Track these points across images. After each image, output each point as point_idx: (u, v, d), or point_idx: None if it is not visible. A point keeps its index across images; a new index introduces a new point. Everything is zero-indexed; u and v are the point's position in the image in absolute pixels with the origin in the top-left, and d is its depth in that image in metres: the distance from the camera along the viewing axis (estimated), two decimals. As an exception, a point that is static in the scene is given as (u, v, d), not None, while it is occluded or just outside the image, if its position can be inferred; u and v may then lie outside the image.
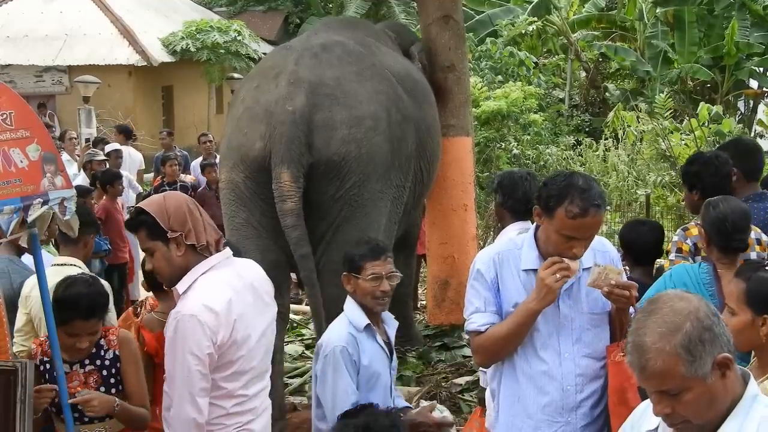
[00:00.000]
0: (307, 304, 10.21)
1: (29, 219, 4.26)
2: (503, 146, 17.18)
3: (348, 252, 4.76)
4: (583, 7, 25.57)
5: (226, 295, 3.84)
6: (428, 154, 7.80)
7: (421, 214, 9.08)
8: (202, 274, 3.87)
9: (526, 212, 5.56)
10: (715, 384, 2.55)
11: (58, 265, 5.85)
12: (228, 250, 4.06)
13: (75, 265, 5.85)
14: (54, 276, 5.53)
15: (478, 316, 4.04)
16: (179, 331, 3.77)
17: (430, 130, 7.93)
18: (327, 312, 6.94)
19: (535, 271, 3.99)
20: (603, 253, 4.13)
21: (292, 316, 9.22)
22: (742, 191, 5.65)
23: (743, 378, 2.65)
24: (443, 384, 7.97)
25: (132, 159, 14.49)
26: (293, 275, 7.44)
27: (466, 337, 6.90)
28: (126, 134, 15.58)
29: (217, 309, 3.78)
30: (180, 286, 3.87)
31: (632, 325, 2.63)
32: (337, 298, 6.86)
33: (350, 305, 4.68)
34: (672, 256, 5.36)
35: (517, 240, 4.17)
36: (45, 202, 4.30)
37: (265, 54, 26.09)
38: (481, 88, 17.71)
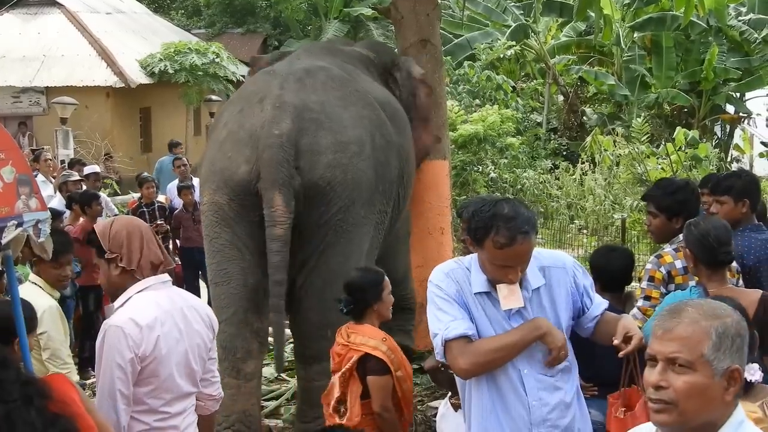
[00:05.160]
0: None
1: (3, 241, 4.26)
2: (480, 170, 17.23)
3: None
4: (561, 31, 25.73)
5: (152, 313, 4.11)
6: (405, 180, 7.80)
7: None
8: (138, 292, 4.16)
9: None
10: (717, 388, 2.54)
11: (32, 283, 6.12)
12: (166, 276, 4.31)
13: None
14: (26, 290, 5.70)
15: (457, 323, 3.99)
16: (106, 341, 4.05)
17: (408, 156, 7.92)
18: (307, 337, 6.95)
19: (486, 293, 4.03)
20: (557, 269, 4.14)
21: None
22: (746, 222, 5.75)
23: (736, 402, 2.62)
24: (419, 407, 7.95)
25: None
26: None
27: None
28: (170, 147, 17.16)
29: (141, 323, 4.05)
30: (117, 303, 4.18)
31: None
32: (317, 324, 6.89)
33: None
34: (644, 284, 5.37)
35: (464, 261, 4.17)
36: (19, 224, 4.29)
37: (243, 76, 26.15)
38: (459, 111, 17.79)
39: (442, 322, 4.03)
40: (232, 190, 6.73)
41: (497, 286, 3.99)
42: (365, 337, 5.36)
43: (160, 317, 4.11)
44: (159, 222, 11.77)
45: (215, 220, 6.88)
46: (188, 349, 4.24)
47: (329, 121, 6.88)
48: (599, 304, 4.25)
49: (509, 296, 3.98)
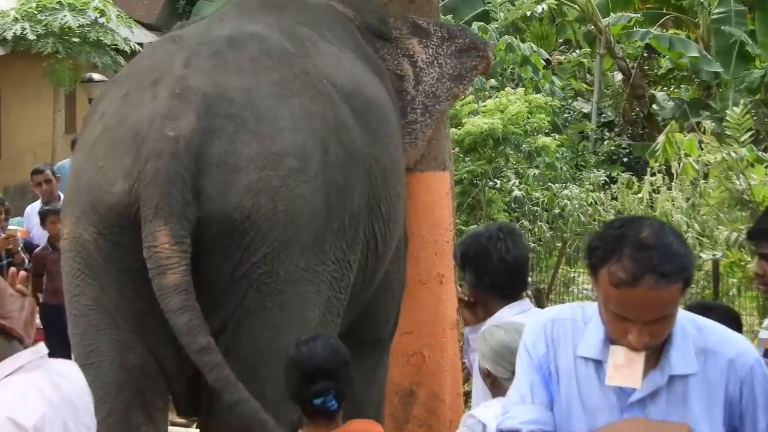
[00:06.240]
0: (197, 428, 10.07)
1: None
2: (498, 185, 17.21)
3: None
4: (619, -22, 25.88)
5: (38, 407, 3.99)
6: (384, 210, 7.51)
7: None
8: (7, 376, 4.04)
9: (513, 287, 5.73)
10: None
11: None
12: (41, 346, 4.20)
13: None
14: None
15: (520, 410, 4.06)
16: None
17: (388, 174, 7.61)
18: None
19: (596, 362, 4.00)
20: (725, 359, 4.01)
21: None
22: None
23: None
24: None
25: None
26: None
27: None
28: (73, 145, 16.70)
29: (26, 424, 3.91)
30: None
31: None
32: (241, 430, 6.76)
33: None
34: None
35: (587, 309, 4.16)
36: None
37: (141, 46, 26.16)
38: (465, 97, 17.75)
39: (509, 399, 4.14)
40: (102, 218, 6.47)
41: (611, 347, 3.93)
42: None
43: (48, 414, 4.01)
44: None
45: (77, 267, 6.68)
46: None
47: (256, 120, 6.60)
48: None
49: (623, 368, 3.89)
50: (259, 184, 6.45)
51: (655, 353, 3.91)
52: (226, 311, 6.50)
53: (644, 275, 3.73)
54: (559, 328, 4.09)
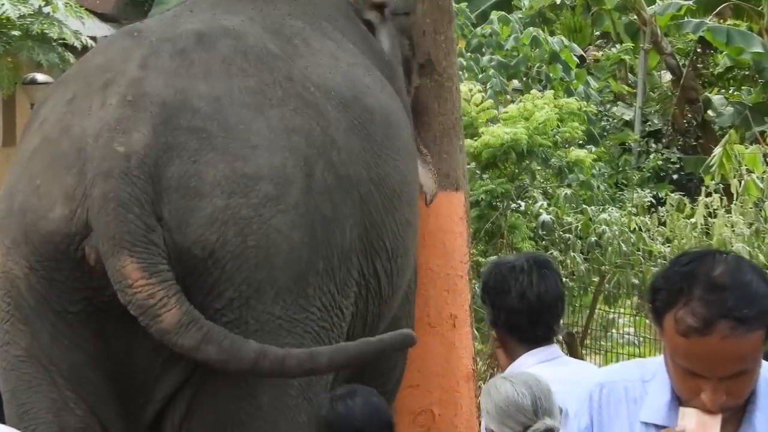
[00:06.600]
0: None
1: None
2: (523, 207, 17.21)
3: None
4: (667, -40, 25.93)
5: None
6: (389, 243, 7.34)
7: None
8: None
9: (533, 331, 5.65)
10: None
11: None
12: None
13: None
14: None
15: None
16: None
17: (395, 199, 7.40)
18: None
19: (660, 429, 3.97)
20: None
21: None
22: None
23: None
24: None
25: None
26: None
27: None
28: None
29: None
30: None
31: None
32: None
33: None
34: None
35: (646, 365, 4.16)
36: None
37: (94, 41, 26.20)
38: (482, 101, 17.77)
39: None
40: (35, 250, 6.31)
41: (681, 409, 3.89)
42: None
43: None
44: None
45: (5, 310, 6.54)
46: None
47: (225, 135, 6.42)
48: None
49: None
50: (226, 214, 6.26)
51: (736, 415, 3.85)
52: (186, 366, 6.30)
53: (718, 321, 3.65)
54: (609, 393, 4.07)
